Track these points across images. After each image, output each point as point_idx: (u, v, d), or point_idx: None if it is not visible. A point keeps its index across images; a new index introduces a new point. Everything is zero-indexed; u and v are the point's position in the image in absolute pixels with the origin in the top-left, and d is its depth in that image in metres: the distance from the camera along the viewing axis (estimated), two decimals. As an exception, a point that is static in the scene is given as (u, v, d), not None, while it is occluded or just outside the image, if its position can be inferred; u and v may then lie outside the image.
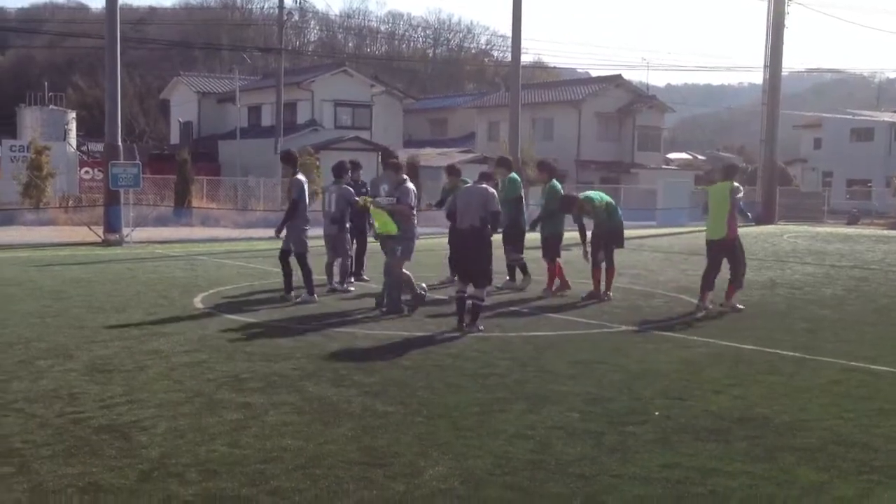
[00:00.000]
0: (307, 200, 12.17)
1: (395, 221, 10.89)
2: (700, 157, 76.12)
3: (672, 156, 73.09)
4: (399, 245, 10.95)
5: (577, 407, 6.54)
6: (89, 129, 58.53)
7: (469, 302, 9.71)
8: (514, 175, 14.02)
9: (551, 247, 13.18)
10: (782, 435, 5.90)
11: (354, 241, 13.95)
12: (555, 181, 13.47)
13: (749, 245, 23.40)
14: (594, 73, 62.25)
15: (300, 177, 12.20)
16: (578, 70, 74.14)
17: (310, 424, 5.97)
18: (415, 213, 11.17)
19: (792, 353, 8.71)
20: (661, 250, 22.46)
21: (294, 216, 11.98)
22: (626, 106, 51.82)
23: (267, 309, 11.12)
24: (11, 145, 34.48)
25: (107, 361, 7.82)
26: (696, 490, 4.83)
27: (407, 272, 11.08)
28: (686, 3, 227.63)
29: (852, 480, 5.03)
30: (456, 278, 10.21)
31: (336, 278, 13.05)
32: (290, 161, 12.52)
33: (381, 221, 11.12)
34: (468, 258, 9.89)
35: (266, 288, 13.11)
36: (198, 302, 11.58)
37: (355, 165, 14.41)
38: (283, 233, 12.06)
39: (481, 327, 9.61)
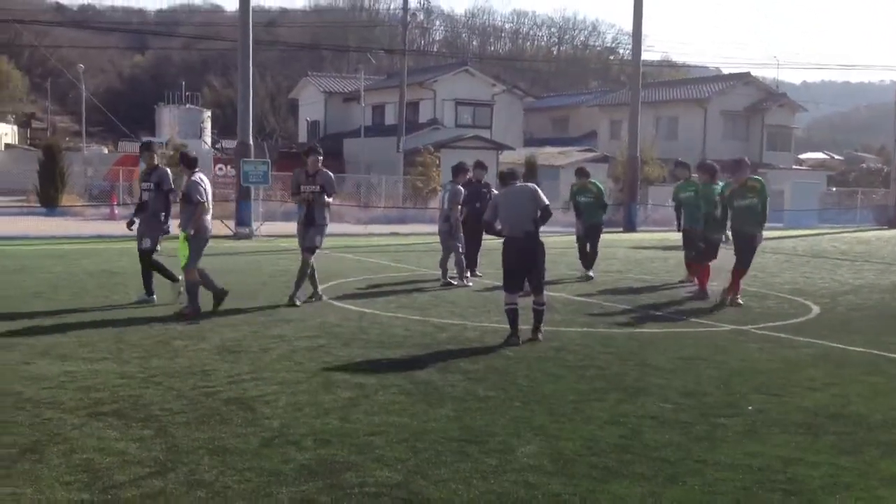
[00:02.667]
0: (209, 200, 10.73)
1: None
2: (837, 157, 73.54)
3: (806, 156, 70.91)
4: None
5: (672, 399, 6.79)
6: (223, 128, 61.12)
7: (533, 308, 9.13)
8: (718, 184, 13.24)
9: (708, 250, 12.90)
10: (872, 431, 6.03)
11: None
12: (718, 183, 13.08)
13: (878, 249, 22.84)
14: (724, 71, 60.77)
15: (200, 178, 10.62)
16: (710, 67, 72.62)
17: (415, 404, 6.43)
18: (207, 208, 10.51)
19: (897, 356, 8.70)
20: (783, 252, 22.13)
21: (164, 210, 11.23)
22: (755, 104, 50.58)
23: (383, 300, 11.69)
24: (160, 142, 36.39)
25: (235, 343, 8.50)
26: (775, 476, 5.05)
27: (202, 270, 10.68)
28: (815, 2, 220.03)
29: (935, 475, 5.16)
30: (505, 289, 9.21)
31: (451, 273, 13.51)
32: (184, 162, 11.02)
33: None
34: (528, 267, 9.06)
35: (384, 281, 13.70)
36: (320, 292, 12.23)
37: (479, 165, 14.83)
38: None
39: (540, 336, 9.07)
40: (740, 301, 12.00)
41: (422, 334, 9.27)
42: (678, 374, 7.66)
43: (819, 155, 73.70)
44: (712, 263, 12.93)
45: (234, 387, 6.80)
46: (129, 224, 11.60)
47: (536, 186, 9.29)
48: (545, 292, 9.29)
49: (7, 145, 55.57)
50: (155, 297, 11.23)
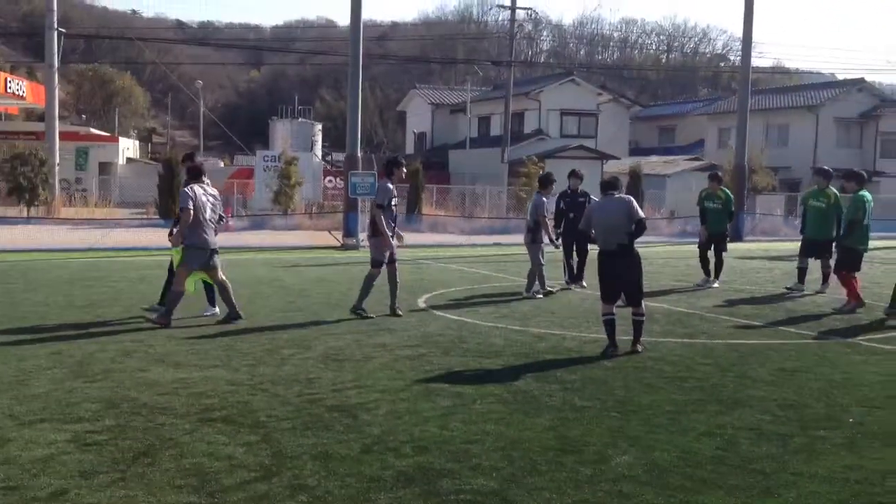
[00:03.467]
0: (201, 210, 10.39)
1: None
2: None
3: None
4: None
5: (771, 411, 6.76)
6: (334, 140, 62.52)
7: (633, 319, 9.19)
8: (863, 192, 12.92)
9: (848, 260, 12.70)
10: (978, 447, 5.89)
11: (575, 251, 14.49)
12: (864, 192, 12.85)
13: None
14: (839, 77, 58.97)
15: (190, 188, 10.39)
16: (823, 73, 70.46)
17: (512, 413, 6.58)
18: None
19: None
20: (894, 263, 21.36)
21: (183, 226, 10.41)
22: (869, 111, 48.97)
23: (484, 310, 11.87)
24: (265, 155, 37.56)
25: (339, 352, 8.81)
26: (872, 489, 5.02)
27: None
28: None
29: None
30: (602, 300, 9.21)
31: (535, 287, 13.45)
32: (187, 171, 10.87)
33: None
34: (624, 278, 9.08)
35: (485, 291, 13.89)
36: (422, 302, 12.53)
37: (574, 174, 14.88)
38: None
39: (639, 348, 9.06)
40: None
41: (520, 344, 9.41)
42: (778, 387, 7.60)
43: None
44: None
45: (337, 394, 7.08)
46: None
47: (632, 198, 9.30)
48: (644, 303, 9.30)
49: (129, 159, 58.09)
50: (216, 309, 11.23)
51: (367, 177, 23.29)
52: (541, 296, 13.31)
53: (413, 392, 7.20)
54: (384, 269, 11.32)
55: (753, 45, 30.96)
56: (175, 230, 10.74)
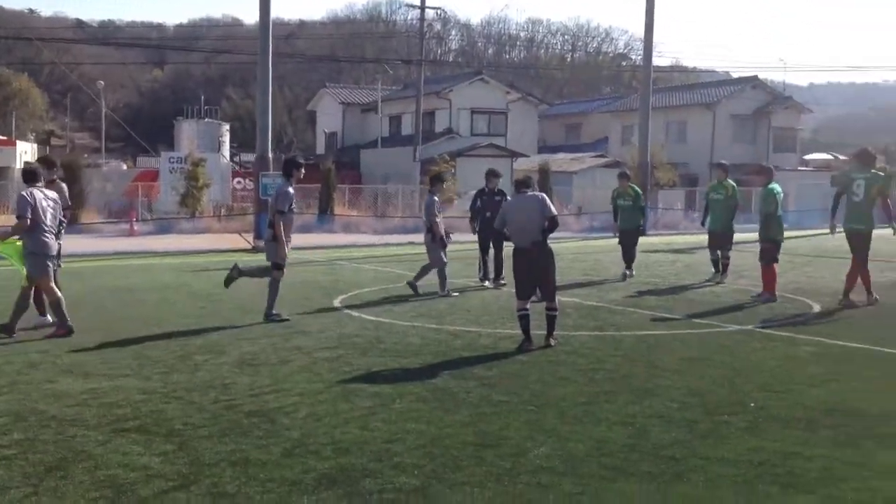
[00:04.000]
0: (41, 216, 9.73)
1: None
2: (842, 157, 73.39)
3: (813, 157, 70.78)
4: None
5: (678, 399, 7.03)
6: (242, 141, 61.64)
7: (546, 314, 9.33)
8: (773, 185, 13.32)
9: (771, 251, 13.04)
10: (868, 425, 6.26)
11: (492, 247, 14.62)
12: (774, 184, 13.24)
13: (879, 247, 22.86)
14: (734, 75, 60.95)
15: (29, 193, 9.77)
16: (718, 70, 72.74)
17: (432, 411, 6.69)
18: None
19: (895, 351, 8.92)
20: (787, 252, 22.08)
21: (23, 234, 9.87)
22: (762, 107, 50.91)
23: (400, 309, 11.97)
24: (171, 157, 36.84)
25: (254, 356, 8.78)
26: (775, 470, 5.29)
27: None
28: (825, 2, 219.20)
29: (928, 466, 5.38)
30: (516, 295, 9.45)
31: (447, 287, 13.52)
32: (23, 176, 10.32)
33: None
34: (538, 274, 9.30)
35: (400, 291, 13.99)
36: (337, 303, 12.55)
37: (493, 174, 15.00)
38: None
39: (553, 342, 9.24)
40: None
41: (437, 342, 9.54)
42: (684, 375, 7.90)
43: (825, 156, 73.58)
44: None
45: (254, 399, 7.07)
46: None
47: (545, 196, 9.53)
48: (557, 298, 9.54)
49: (26, 163, 56.14)
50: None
51: (278, 177, 23.03)
52: (456, 294, 13.46)
53: (332, 394, 7.25)
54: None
55: (655, 44, 31.81)
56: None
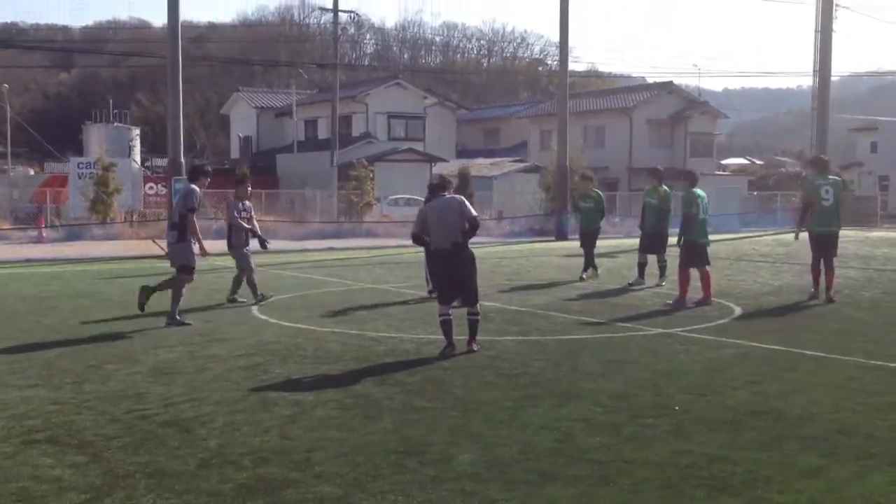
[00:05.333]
0: None
1: None
2: (758, 162, 75.59)
3: (729, 161, 72.73)
4: None
5: (603, 402, 7.00)
6: (152, 145, 60.25)
7: (468, 319, 9.17)
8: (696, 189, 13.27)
9: (690, 255, 13.03)
10: (791, 426, 6.31)
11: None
12: (697, 188, 13.19)
13: (796, 251, 23.47)
14: (649, 80, 62.18)
15: None
16: (634, 76, 74.07)
17: (353, 418, 6.52)
18: None
19: (816, 353, 9.05)
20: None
21: None
22: (678, 112, 51.96)
23: (320, 315, 11.73)
24: (79, 162, 35.71)
25: (170, 365, 8.48)
26: (700, 473, 5.27)
27: None
28: (738, 9, 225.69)
29: (849, 465, 5.42)
30: (436, 299, 9.49)
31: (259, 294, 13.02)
32: None
33: None
34: (459, 278, 9.12)
35: (318, 296, 13.75)
36: (256, 310, 12.25)
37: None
38: None
39: (476, 347, 9.08)
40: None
41: (358, 348, 9.36)
42: (608, 378, 7.88)
43: (741, 160, 75.70)
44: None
45: (169, 409, 6.81)
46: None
47: (463, 198, 9.39)
48: (479, 303, 9.45)
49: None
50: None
51: (183, 182, 22.58)
52: (272, 295, 13.15)
53: (250, 402, 7.02)
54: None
55: (571, 49, 32.13)
56: None
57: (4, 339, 9.91)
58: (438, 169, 41.84)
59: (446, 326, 9.06)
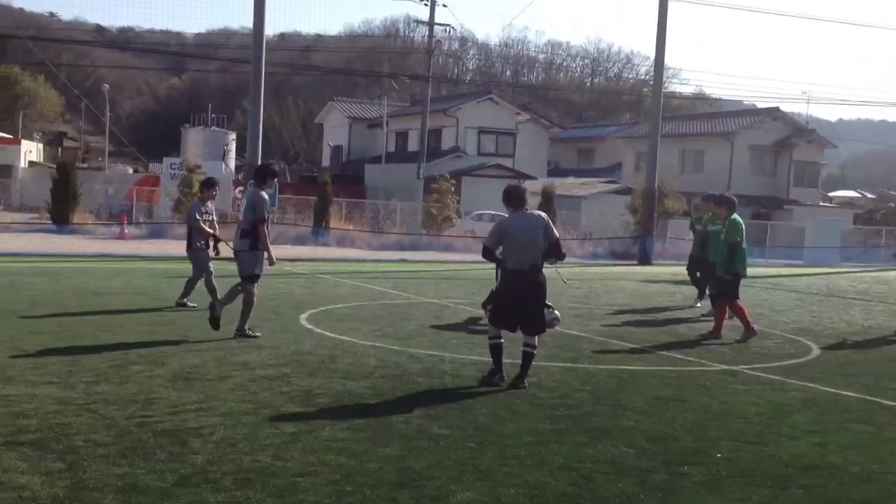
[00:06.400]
0: None
1: None
2: (869, 195, 72.60)
3: (838, 193, 70.01)
4: None
5: (637, 443, 6.34)
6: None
7: (524, 350, 8.29)
8: (735, 217, 12.38)
9: (727, 287, 12.19)
10: (845, 486, 5.55)
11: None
12: (736, 216, 12.33)
13: (894, 290, 22.11)
14: (759, 105, 60.00)
15: None
16: (745, 101, 71.83)
17: (360, 442, 6.03)
18: None
19: (892, 403, 8.18)
20: (797, 290, 21.48)
21: None
22: (783, 140, 49.97)
23: (367, 328, 11.30)
24: (172, 163, 36.36)
25: (194, 370, 8.15)
26: (725, 537, 4.60)
27: None
28: (849, 37, 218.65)
29: (903, 540, 4.68)
30: (490, 322, 8.53)
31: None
32: None
33: None
34: (527, 304, 8.20)
35: (375, 309, 13.34)
36: (304, 318, 11.90)
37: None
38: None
39: (526, 384, 8.11)
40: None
41: (394, 365, 8.87)
42: (651, 416, 7.20)
43: (851, 193, 72.70)
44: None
45: (173, 417, 6.44)
46: None
47: (548, 217, 8.51)
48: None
49: (31, 163, 56.05)
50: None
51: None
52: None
53: (259, 416, 6.60)
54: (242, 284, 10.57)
55: (677, 72, 31.34)
56: None
57: (45, 333, 9.76)
58: (527, 186, 41.28)
59: (496, 351, 8.26)
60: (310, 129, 73.85)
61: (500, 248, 8.34)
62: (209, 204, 12.89)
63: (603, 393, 8.04)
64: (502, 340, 8.31)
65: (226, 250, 11.90)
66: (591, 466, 5.73)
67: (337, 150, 53.32)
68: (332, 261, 23.49)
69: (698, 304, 15.38)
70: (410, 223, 33.67)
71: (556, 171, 53.88)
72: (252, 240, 10.41)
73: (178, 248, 23.61)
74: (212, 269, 12.60)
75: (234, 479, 5.13)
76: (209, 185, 13.20)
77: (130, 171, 52.49)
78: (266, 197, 10.52)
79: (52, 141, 78.76)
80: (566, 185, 42.37)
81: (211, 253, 12.71)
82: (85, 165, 57.07)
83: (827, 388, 8.71)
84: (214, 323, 10.06)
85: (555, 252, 8.33)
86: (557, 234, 8.37)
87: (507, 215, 8.56)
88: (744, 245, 12.15)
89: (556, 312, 12.34)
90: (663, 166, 34.98)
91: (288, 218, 30.34)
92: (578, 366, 9.39)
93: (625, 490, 5.29)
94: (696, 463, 5.92)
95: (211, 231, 12.69)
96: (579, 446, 6.22)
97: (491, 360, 8.35)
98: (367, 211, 34.86)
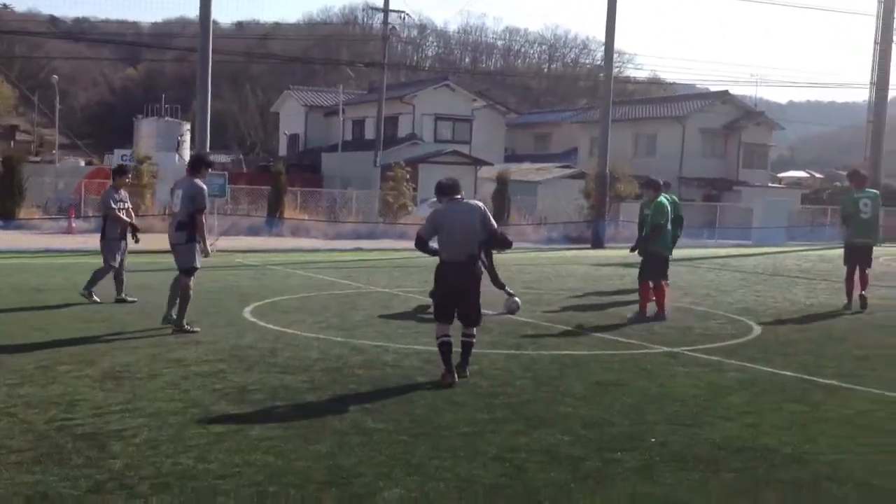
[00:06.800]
0: None
1: None
2: (818, 175, 73.37)
3: (787, 174, 70.69)
4: None
5: (573, 430, 6.26)
6: (213, 142, 60.36)
7: (462, 340, 8.00)
8: (661, 199, 12.30)
9: (653, 267, 12.17)
10: (776, 467, 5.52)
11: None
12: (663, 197, 12.31)
13: (840, 267, 22.31)
14: (711, 89, 60.22)
15: None
16: (697, 86, 72.18)
17: (289, 440, 5.88)
18: None
19: (829, 381, 8.18)
20: (742, 270, 21.59)
21: None
22: (732, 122, 50.43)
23: (312, 319, 11.13)
24: (122, 154, 35.82)
25: (125, 368, 7.93)
26: (651, 525, 4.53)
27: None
28: (799, 21, 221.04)
29: (830, 524, 4.64)
30: (436, 319, 8.11)
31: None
32: None
33: None
34: (465, 295, 7.92)
35: (322, 298, 13.16)
36: (248, 311, 11.70)
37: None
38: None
39: (466, 374, 7.91)
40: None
41: (335, 358, 8.71)
42: (589, 402, 7.13)
43: (800, 173, 73.51)
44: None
45: (96, 420, 6.24)
46: None
47: (485, 206, 8.13)
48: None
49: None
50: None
51: (215, 177, 22.27)
52: (97, 301, 12.03)
53: (187, 416, 6.42)
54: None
55: (632, 56, 31.36)
56: None
57: (-26, 333, 9.49)
58: (483, 173, 41.14)
59: (445, 349, 7.82)
60: (268, 119, 73.21)
61: (435, 239, 8.02)
62: (122, 192, 12.70)
63: (544, 379, 7.96)
64: (450, 338, 7.88)
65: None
66: (525, 456, 5.64)
67: (293, 138, 52.81)
68: (286, 251, 23.21)
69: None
70: (367, 212, 33.44)
71: (512, 156, 53.82)
72: (189, 231, 10.20)
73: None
74: (118, 261, 12.40)
75: (151, 483, 4.97)
76: (121, 172, 13.05)
77: (83, 163, 51.53)
78: (205, 186, 10.30)
79: (4, 135, 77.27)
80: (522, 171, 42.31)
81: (131, 241, 12.55)
82: (38, 159, 56.04)
83: (765, 368, 8.71)
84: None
85: (498, 243, 8.20)
86: (496, 225, 8.07)
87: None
88: (669, 227, 12.21)
89: (517, 298, 12.32)
90: (616, 150, 35.07)
91: (241, 209, 29.92)
92: (522, 352, 9.30)
93: (556, 479, 5.21)
94: (630, 449, 5.85)
95: (127, 219, 12.48)
96: (515, 435, 6.12)
97: (442, 361, 7.83)
98: (323, 200, 34.55)
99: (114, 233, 12.44)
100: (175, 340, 9.41)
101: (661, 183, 12.66)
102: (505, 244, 8.41)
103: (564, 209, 35.01)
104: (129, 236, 12.55)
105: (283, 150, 54.13)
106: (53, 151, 66.20)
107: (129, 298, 12.29)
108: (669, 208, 12.27)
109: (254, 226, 28.27)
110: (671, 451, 5.83)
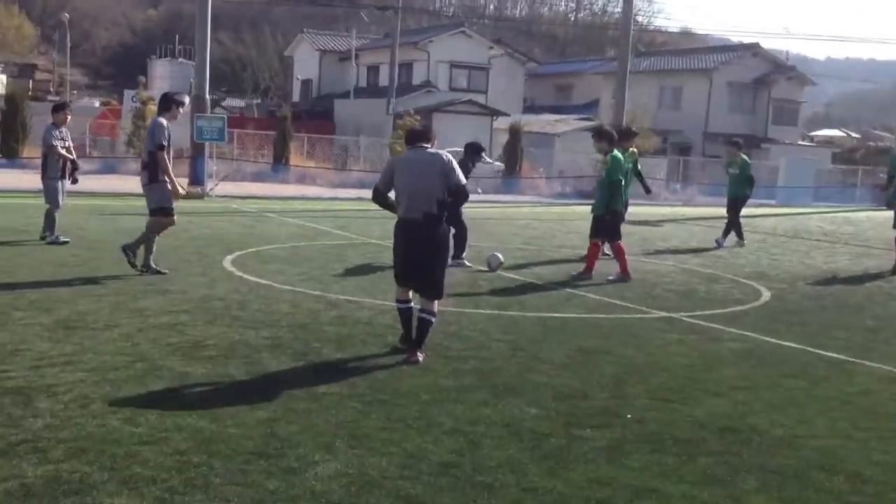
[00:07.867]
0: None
1: None
2: (854, 135, 71.75)
3: (821, 132, 69.19)
4: None
5: (542, 402, 5.76)
6: (231, 84, 59.65)
7: (420, 317, 6.88)
8: (616, 153, 11.42)
9: (608, 226, 11.42)
10: (762, 453, 4.99)
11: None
12: (616, 152, 11.46)
13: (864, 231, 21.63)
14: (744, 41, 58.61)
15: None
16: (731, 40, 70.55)
17: (230, 403, 5.42)
18: None
19: (835, 356, 7.59)
20: (761, 231, 20.89)
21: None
22: (763, 76, 49.00)
23: (293, 270, 10.64)
24: (133, 95, 35.23)
25: (82, 317, 7.49)
26: (608, 518, 4.03)
27: None
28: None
29: (811, 522, 4.12)
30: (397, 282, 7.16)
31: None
32: None
33: None
34: (421, 261, 6.83)
35: (310, 249, 12.68)
36: (229, 260, 11.23)
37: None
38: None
39: (421, 357, 6.71)
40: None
41: (306, 312, 8.23)
42: (567, 371, 6.61)
43: (834, 132, 71.85)
44: None
45: (31, 373, 5.79)
46: None
47: (451, 157, 6.96)
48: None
49: (-2, 96, 54.46)
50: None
51: (214, 120, 21.71)
52: (66, 241, 11.90)
53: (131, 371, 5.97)
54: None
55: (660, 8, 30.19)
56: None
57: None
58: (500, 123, 40.28)
59: (404, 318, 6.97)
60: (287, 64, 72.18)
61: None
62: (64, 129, 12.36)
63: (522, 344, 7.44)
64: (410, 304, 7.00)
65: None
66: (483, 430, 5.15)
67: (307, 84, 51.89)
68: (287, 199, 22.71)
69: (722, 243, 16.19)
70: (375, 160, 32.77)
71: (532, 108, 52.71)
72: (151, 172, 9.77)
73: (126, 184, 22.84)
74: (62, 202, 12.20)
75: (67, 448, 4.52)
76: (60, 108, 12.65)
77: (97, 104, 51.04)
78: (165, 123, 9.76)
79: (22, 73, 76.76)
80: (540, 123, 41.42)
81: (68, 182, 12.34)
82: (56, 98, 55.57)
83: (766, 338, 8.13)
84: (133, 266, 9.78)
85: (453, 197, 6.91)
86: (462, 179, 6.89)
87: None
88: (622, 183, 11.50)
89: (498, 254, 11.71)
90: (639, 103, 34.15)
91: (248, 154, 29.39)
92: (504, 313, 8.77)
93: (512, 458, 4.72)
94: (602, 425, 5.34)
95: (69, 156, 12.23)
96: (478, 406, 5.63)
97: (402, 326, 7.05)
98: (332, 147, 33.90)
99: (55, 171, 12.13)
100: (144, 289, 8.94)
101: (734, 142, 13.24)
102: (459, 195, 7.09)
103: (579, 163, 34.21)
104: (67, 175, 12.27)
105: (296, 96, 53.24)
106: (70, 91, 65.72)
107: (62, 238, 11.99)
108: (622, 164, 11.45)
109: (259, 172, 27.78)
110: (647, 429, 5.32)
